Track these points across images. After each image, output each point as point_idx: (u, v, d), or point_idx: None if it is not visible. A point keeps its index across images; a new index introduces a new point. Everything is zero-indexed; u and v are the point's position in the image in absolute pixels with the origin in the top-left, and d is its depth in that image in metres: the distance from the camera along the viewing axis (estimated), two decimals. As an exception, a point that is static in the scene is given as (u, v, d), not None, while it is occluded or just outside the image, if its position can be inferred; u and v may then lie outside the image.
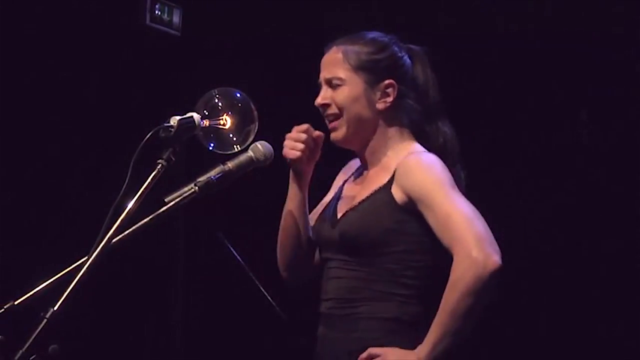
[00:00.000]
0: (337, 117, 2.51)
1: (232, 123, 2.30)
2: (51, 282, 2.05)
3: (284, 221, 2.60)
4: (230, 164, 2.27)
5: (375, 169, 2.53)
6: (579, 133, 4.17)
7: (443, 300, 2.31)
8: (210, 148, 2.29)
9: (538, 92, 4.13)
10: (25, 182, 3.68)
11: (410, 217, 2.40)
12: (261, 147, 2.33)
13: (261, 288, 2.65)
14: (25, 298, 2.04)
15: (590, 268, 4.08)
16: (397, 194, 2.42)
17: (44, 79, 3.72)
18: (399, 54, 2.53)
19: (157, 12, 3.89)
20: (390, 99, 2.50)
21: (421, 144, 2.50)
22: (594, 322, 4.05)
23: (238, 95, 2.34)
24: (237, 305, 4.16)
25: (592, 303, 4.06)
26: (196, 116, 2.21)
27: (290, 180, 2.55)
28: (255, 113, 2.34)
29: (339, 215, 2.51)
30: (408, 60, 2.54)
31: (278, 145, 2.42)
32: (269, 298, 2.65)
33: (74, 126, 3.82)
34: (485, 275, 2.26)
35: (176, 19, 3.97)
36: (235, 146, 2.31)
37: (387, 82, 2.50)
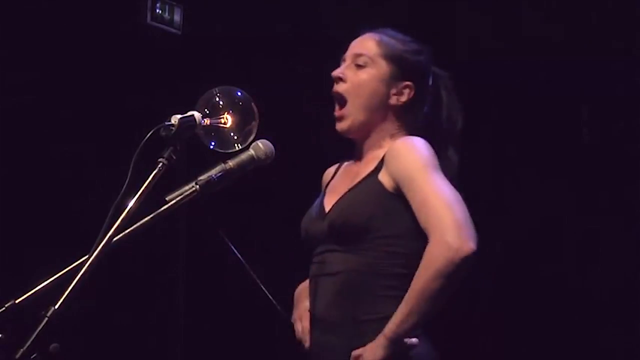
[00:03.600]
0: (342, 100, 2.52)
1: (233, 122, 2.30)
2: (52, 280, 2.05)
3: None
4: (231, 163, 2.27)
5: (365, 160, 2.54)
6: (580, 131, 4.17)
7: (414, 280, 2.31)
8: (211, 147, 2.29)
9: (538, 91, 4.13)
10: (26, 181, 3.68)
11: (400, 203, 2.39)
12: (262, 146, 2.33)
13: (262, 287, 2.64)
14: (27, 297, 2.03)
15: (590, 267, 4.08)
16: (386, 179, 2.42)
17: (44, 78, 3.72)
18: (427, 65, 2.57)
19: (158, 10, 3.89)
20: (403, 99, 2.52)
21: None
22: (594, 322, 4.05)
23: (239, 93, 2.34)
24: (238, 304, 4.16)
25: (592, 302, 4.06)
26: (197, 115, 2.21)
27: None
28: (256, 111, 2.34)
29: (327, 208, 2.51)
30: (431, 74, 2.57)
31: (279, 143, 2.42)
32: (270, 297, 2.64)
33: (75, 125, 3.82)
34: (458, 259, 2.25)
35: (177, 17, 3.97)
36: (236, 145, 2.31)
37: (407, 82, 2.52)
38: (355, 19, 4.02)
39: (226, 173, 2.25)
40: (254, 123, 2.33)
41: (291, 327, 2.62)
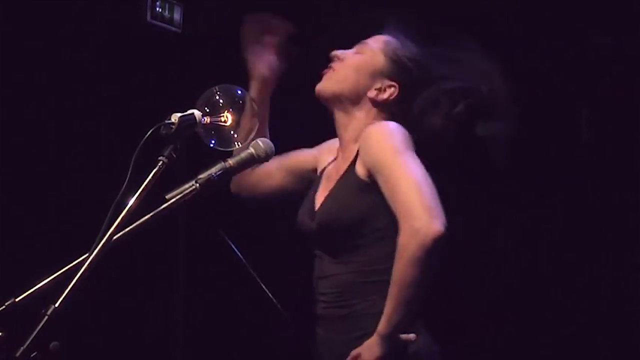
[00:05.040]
0: (331, 69, 2.58)
1: (233, 120, 2.30)
2: (52, 279, 2.05)
3: None
4: (231, 161, 2.27)
5: (346, 153, 2.55)
6: (579, 130, 4.16)
7: (393, 272, 2.32)
8: (211, 145, 2.29)
9: (539, 90, 4.12)
10: (26, 180, 3.68)
11: (377, 193, 2.40)
12: (262, 144, 2.33)
13: (262, 285, 2.64)
14: (27, 295, 2.03)
15: (590, 266, 4.07)
16: (360, 170, 2.44)
17: (44, 77, 3.71)
18: (419, 73, 2.56)
19: (157, 9, 3.89)
20: (383, 96, 2.55)
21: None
22: (595, 322, 4.04)
23: (239, 92, 2.34)
24: (238, 303, 4.16)
25: (591, 302, 4.06)
26: (197, 113, 2.21)
27: None
28: (256, 110, 2.34)
29: (316, 205, 2.53)
30: (420, 85, 2.55)
31: (278, 142, 2.42)
32: (270, 295, 2.64)
33: (75, 123, 3.81)
34: (428, 243, 2.26)
35: (177, 16, 3.96)
36: (236, 143, 2.31)
37: (393, 82, 2.53)
38: (357, 18, 4.03)
39: (226, 171, 2.25)
40: (254, 122, 2.33)
41: (292, 326, 2.63)
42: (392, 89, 2.54)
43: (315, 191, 2.59)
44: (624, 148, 4.03)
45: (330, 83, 2.57)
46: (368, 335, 2.36)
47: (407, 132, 2.43)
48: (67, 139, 3.80)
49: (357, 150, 2.46)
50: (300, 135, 3.83)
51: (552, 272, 4.10)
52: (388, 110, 2.55)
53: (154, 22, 3.87)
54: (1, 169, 3.60)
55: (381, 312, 2.35)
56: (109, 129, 3.87)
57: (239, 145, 2.31)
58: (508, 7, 4.06)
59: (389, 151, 2.37)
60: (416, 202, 2.29)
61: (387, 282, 2.36)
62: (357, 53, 2.59)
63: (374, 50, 2.56)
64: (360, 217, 2.41)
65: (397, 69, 2.55)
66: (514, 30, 4.09)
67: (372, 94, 2.55)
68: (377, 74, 2.55)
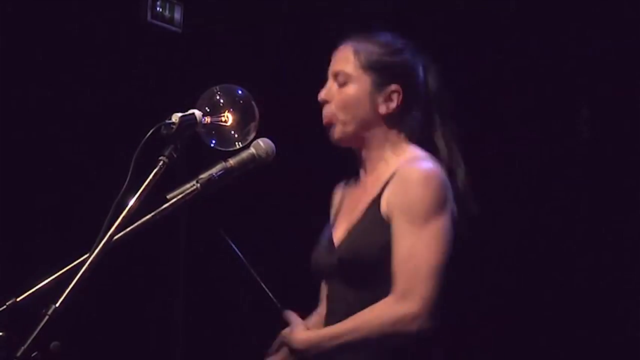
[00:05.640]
0: (332, 116, 2.50)
1: (234, 120, 2.30)
2: (53, 279, 2.05)
3: None
4: (231, 161, 2.27)
5: (371, 178, 2.50)
6: (580, 129, 4.16)
7: (362, 317, 2.32)
8: (212, 145, 2.29)
9: (539, 89, 4.12)
10: (26, 179, 3.68)
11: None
12: (263, 144, 2.33)
13: (263, 285, 2.64)
14: (27, 295, 2.03)
15: (590, 265, 4.07)
16: (385, 207, 2.38)
17: (44, 77, 3.71)
18: (411, 61, 2.51)
19: (158, 8, 3.89)
20: (393, 105, 2.48)
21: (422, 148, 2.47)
22: (595, 322, 4.04)
23: (239, 92, 2.33)
24: (239, 303, 4.16)
25: (591, 301, 4.06)
26: (198, 113, 2.21)
27: None
28: (257, 110, 2.34)
29: (335, 241, 2.49)
30: (420, 68, 2.51)
31: (280, 142, 2.42)
32: (271, 295, 2.64)
33: (75, 123, 3.82)
34: (412, 331, 2.27)
35: (177, 15, 3.96)
36: (236, 143, 2.31)
37: (393, 87, 2.47)
38: (356, 17, 4.03)
39: (227, 171, 2.25)
40: (254, 121, 2.33)
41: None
42: (396, 93, 2.49)
43: (331, 231, 2.54)
44: (624, 147, 4.03)
45: (342, 129, 2.49)
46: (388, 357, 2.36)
47: (447, 180, 2.38)
48: (68, 138, 3.80)
49: (387, 183, 2.40)
50: (302, 133, 3.83)
51: (552, 272, 4.10)
52: (403, 118, 2.49)
53: (155, 21, 3.87)
54: (2, 168, 3.60)
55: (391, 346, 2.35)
56: (109, 128, 3.87)
57: (239, 145, 2.31)
58: (509, 7, 4.06)
59: (423, 211, 2.32)
60: (421, 287, 2.28)
61: None
62: (340, 85, 2.50)
63: (352, 73, 2.47)
64: (381, 255, 2.37)
65: (385, 73, 2.47)
66: (515, 29, 4.09)
67: (383, 109, 2.47)
68: (372, 92, 2.47)
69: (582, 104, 4.14)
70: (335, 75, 2.50)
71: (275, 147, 2.36)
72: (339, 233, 2.51)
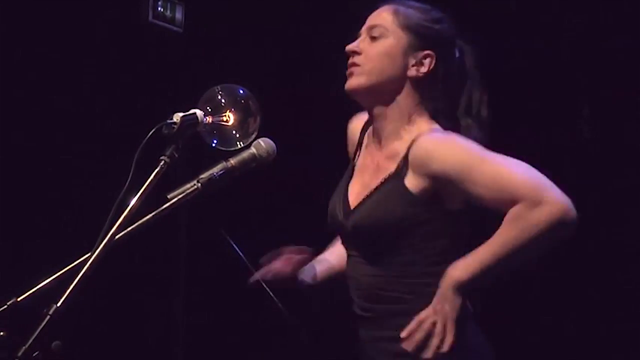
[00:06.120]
0: (357, 66, 2.40)
1: (235, 120, 2.29)
2: (54, 278, 2.05)
3: None
4: (232, 161, 2.27)
5: (387, 150, 2.42)
6: (580, 128, 4.16)
7: (503, 229, 2.21)
8: (213, 145, 2.29)
9: (539, 88, 4.13)
10: (28, 179, 3.68)
11: (425, 205, 2.30)
12: (264, 144, 2.32)
13: (264, 285, 2.64)
14: (28, 295, 2.03)
15: (590, 265, 4.07)
16: (415, 182, 2.30)
17: (46, 76, 3.72)
18: (449, 34, 2.44)
19: (159, 8, 3.89)
20: (424, 69, 2.39)
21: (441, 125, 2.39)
22: (595, 322, 4.04)
23: (241, 91, 2.33)
24: (240, 303, 4.16)
25: (591, 301, 4.06)
26: (199, 113, 2.21)
27: None
28: (258, 110, 2.33)
29: (350, 201, 2.43)
30: (456, 45, 2.45)
31: (281, 142, 2.42)
32: (272, 295, 2.64)
33: (77, 123, 3.82)
34: (568, 218, 2.17)
35: (179, 15, 3.97)
36: (238, 143, 2.31)
37: (427, 52, 2.39)
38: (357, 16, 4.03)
39: (228, 171, 2.25)
40: (256, 121, 2.33)
41: (293, 326, 2.62)
42: (429, 58, 2.39)
43: (348, 182, 2.48)
44: (625, 146, 4.03)
45: (362, 78, 2.39)
46: (398, 335, 2.27)
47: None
48: (69, 138, 3.80)
49: (405, 160, 2.32)
50: (303, 133, 3.83)
51: (552, 271, 4.10)
52: (429, 89, 2.40)
53: (156, 21, 3.88)
54: (3, 168, 3.60)
55: (412, 312, 2.27)
56: (111, 128, 3.88)
57: (241, 145, 2.31)
58: (510, 5, 4.07)
59: (472, 155, 2.26)
60: (541, 181, 2.20)
61: (418, 284, 2.31)
62: (371, 39, 2.42)
63: (389, 28, 2.39)
64: (398, 228, 2.31)
65: (423, 37, 2.39)
66: (516, 28, 4.09)
67: (412, 72, 2.39)
68: (405, 51, 2.38)
69: (583, 104, 4.14)
70: (371, 29, 2.42)
71: (276, 146, 2.36)
72: (354, 194, 2.43)
